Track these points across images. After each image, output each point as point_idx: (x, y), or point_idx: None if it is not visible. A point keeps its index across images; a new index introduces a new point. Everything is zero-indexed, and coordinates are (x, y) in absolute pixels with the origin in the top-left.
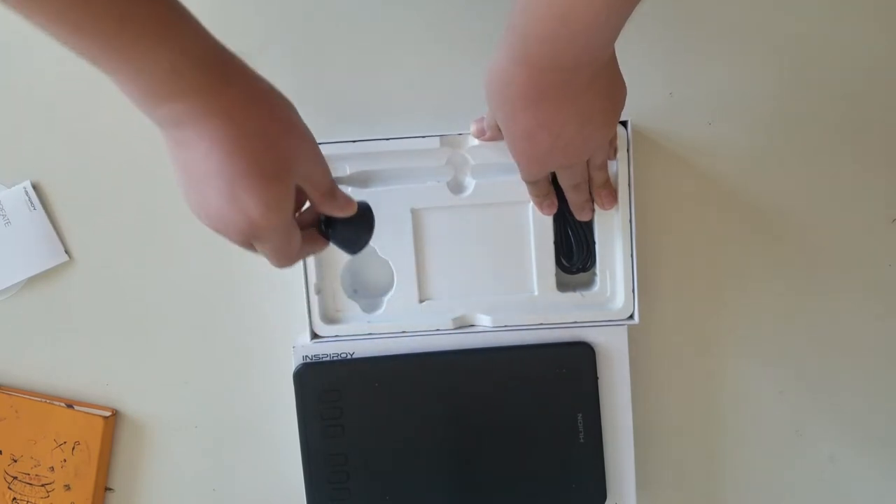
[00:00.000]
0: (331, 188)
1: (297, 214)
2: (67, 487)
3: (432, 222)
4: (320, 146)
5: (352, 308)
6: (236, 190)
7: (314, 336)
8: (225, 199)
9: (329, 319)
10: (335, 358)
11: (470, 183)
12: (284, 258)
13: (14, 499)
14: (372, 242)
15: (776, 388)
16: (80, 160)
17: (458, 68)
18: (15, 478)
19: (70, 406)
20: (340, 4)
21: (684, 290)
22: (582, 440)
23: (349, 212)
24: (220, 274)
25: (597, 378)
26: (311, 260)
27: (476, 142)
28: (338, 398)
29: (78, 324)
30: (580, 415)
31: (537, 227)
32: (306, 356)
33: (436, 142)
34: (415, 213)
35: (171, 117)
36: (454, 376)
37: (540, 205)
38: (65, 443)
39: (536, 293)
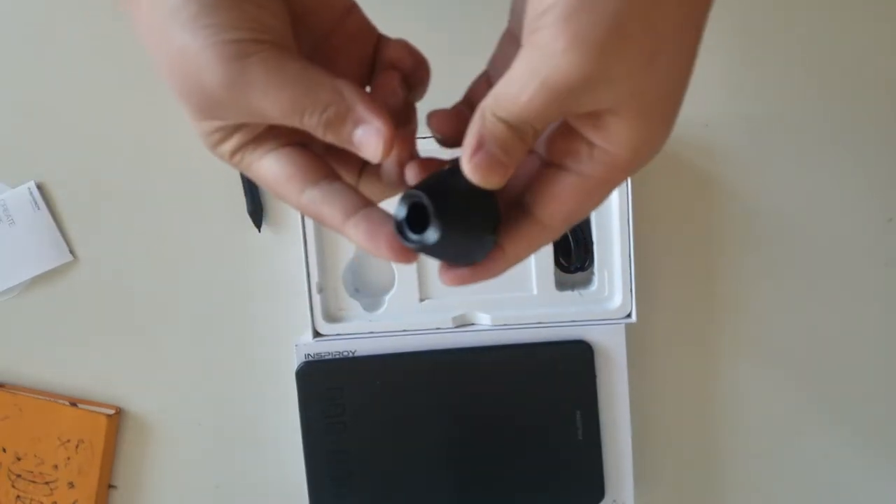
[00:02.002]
0: (305, 113)
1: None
2: (71, 485)
3: None
4: None
5: (353, 307)
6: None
7: (316, 334)
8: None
9: (331, 318)
10: (337, 356)
11: None
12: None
13: (18, 496)
14: None
15: (774, 388)
16: (84, 160)
17: (457, 69)
18: (19, 476)
19: (74, 404)
20: None
21: (682, 289)
22: (580, 437)
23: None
24: (223, 273)
25: (595, 376)
26: (313, 259)
27: None
28: (339, 396)
29: (82, 323)
30: (578, 412)
31: None
32: (308, 354)
33: (435, 142)
34: None
35: None
36: (454, 374)
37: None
38: (68, 441)
39: (535, 292)
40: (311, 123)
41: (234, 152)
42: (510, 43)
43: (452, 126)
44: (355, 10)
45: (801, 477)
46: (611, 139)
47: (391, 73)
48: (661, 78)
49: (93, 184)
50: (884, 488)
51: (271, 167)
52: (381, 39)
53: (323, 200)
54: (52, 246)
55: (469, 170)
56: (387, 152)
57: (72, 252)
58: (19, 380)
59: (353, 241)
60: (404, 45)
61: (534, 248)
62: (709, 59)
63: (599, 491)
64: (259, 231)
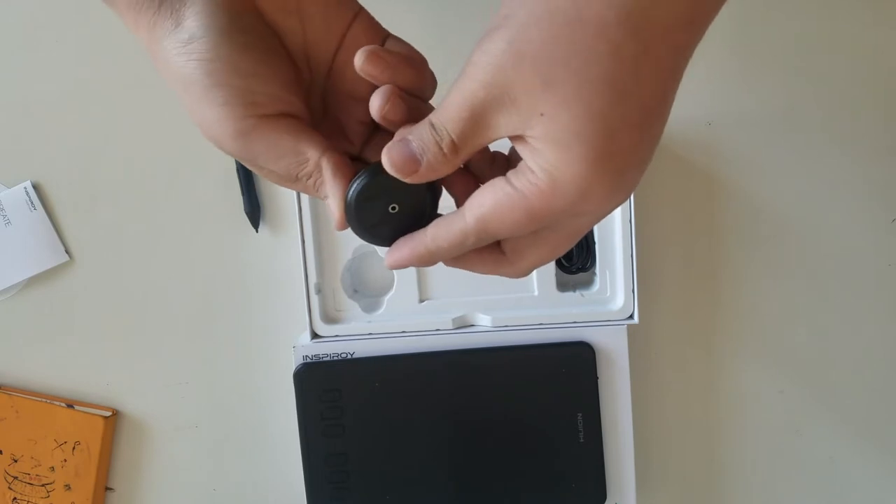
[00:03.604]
0: (295, 178)
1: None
2: (68, 487)
3: None
4: None
5: (352, 308)
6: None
7: (314, 336)
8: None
9: (329, 319)
10: (335, 358)
11: None
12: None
13: (14, 499)
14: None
15: (776, 388)
16: (80, 160)
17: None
18: (15, 478)
19: (70, 406)
20: None
21: (684, 289)
22: (582, 440)
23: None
24: (220, 273)
25: (597, 378)
26: (311, 259)
27: None
28: (338, 398)
29: (78, 324)
30: (580, 414)
31: None
32: (306, 356)
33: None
34: None
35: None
36: (454, 376)
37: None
38: (65, 443)
39: (536, 293)
40: (299, 185)
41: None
42: None
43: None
44: (361, 14)
45: (806, 480)
46: (533, 163)
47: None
48: (558, 103)
49: (89, 184)
50: (887, 491)
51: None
52: (389, 39)
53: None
54: (49, 246)
55: (385, 157)
56: (339, 227)
57: (68, 252)
58: (15, 381)
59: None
60: (403, 51)
61: (450, 235)
62: (712, 58)
63: (601, 494)
64: (256, 231)
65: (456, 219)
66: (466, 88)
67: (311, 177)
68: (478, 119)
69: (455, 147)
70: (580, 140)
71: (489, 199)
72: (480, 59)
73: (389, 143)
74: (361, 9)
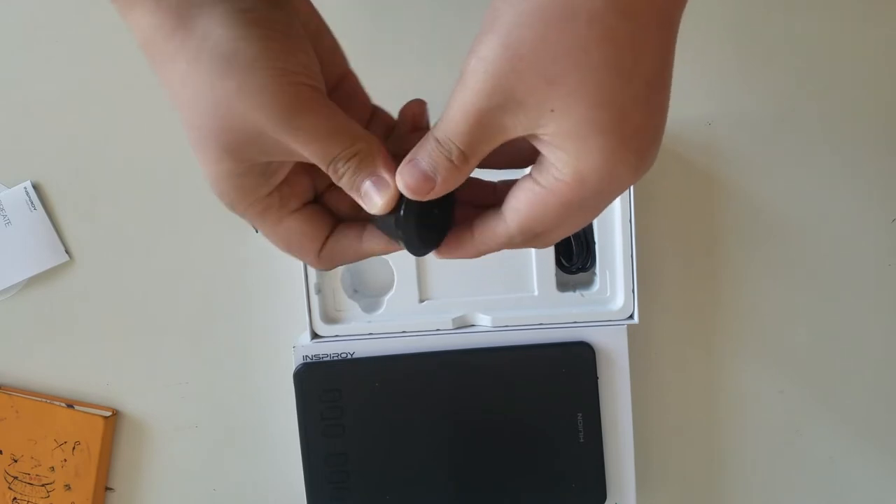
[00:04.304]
0: (335, 159)
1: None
2: (68, 487)
3: None
4: None
5: (352, 308)
6: (197, 155)
7: (314, 336)
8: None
9: (329, 319)
10: (335, 358)
11: None
12: (290, 253)
13: (14, 499)
14: None
15: (776, 388)
16: (80, 160)
17: (455, 69)
18: (15, 478)
19: (70, 406)
20: (332, 7)
21: (684, 289)
22: (582, 440)
23: (379, 202)
24: (221, 273)
25: (597, 378)
26: None
27: None
28: (338, 398)
29: (78, 324)
30: (580, 414)
31: None
32: (306, 356)
33: None
34: None
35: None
36: (454, 376)
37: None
38: (65, 443)
39: (536, 293)
40: (336, 168)
41: (262, 202)
42: None
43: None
44: (350, 77)
45: (806, 480)
46: (555, 159)
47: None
48: (569, 99)
49: (89, 184)
50: (887, 491)
51: (293, 226)
52: (378, 110)
53: (336, 244)
54: (49, 246)
55: (399, 182)
56: (386, 207)
57: (68, 252)
58: (16, 381)
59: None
60: (424, 106)
61: (497, 241)
62: (712, 57)
63: (601, 494)
64: (256, 231)
65: (498, 224)
66: (468, 99)
67: (357, 154)
68: (485, 126)
69: (465, 156)
70: (596, 129)
71: (524, 202)
72: (478, 66)
73: (400, 168)
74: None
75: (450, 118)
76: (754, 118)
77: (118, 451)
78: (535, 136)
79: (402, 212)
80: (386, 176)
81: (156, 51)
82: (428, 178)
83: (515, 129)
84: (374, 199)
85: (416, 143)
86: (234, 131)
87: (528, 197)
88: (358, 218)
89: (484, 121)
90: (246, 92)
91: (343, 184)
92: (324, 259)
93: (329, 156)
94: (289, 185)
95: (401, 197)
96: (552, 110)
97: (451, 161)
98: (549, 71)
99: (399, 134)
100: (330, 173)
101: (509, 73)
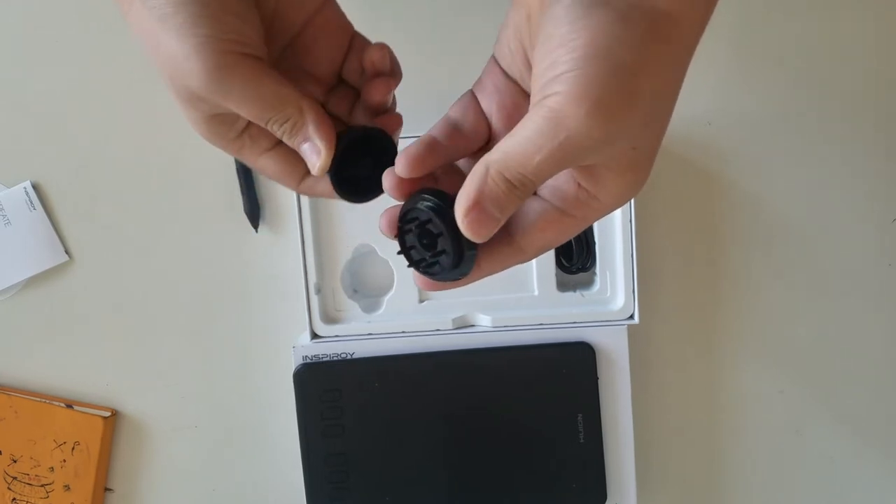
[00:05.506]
0: (269, 121)
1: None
2: (67, 488)
3: None
4: None
5: (352, 308)
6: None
7: (314, 336)
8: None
9: (329, 319)
10: (335, 358)
11: None
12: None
13: (14, 499)
14: (371, 242)
15: (776, 388)
16: (79, 160)
17: (454, 69)
18: (14, 478)
19: (70, 406)
20: None
21: (685, 289)
22: (582, 440)
23: (320, 149)
24: (220, 274)
25: (597, 378)
26: (311, 259)
27: None
28: (338, 398)
29: (78, 324)
30: (580, 415)
31: None
32: (306, 356)
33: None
34: None
35: None
36: (454, 376)
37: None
38: (64, 443)
39: (536, 293)
40: (273, 129)
41: (234, 142)
42: (497, 73)
43: (420, 168)
44: (329, 5)
45: (806, 480)
46: (601, 188)
47: (382, 81)
48: (652, 135)
49: (89, 184)
50: (887, 491)
51: (268, 164)
52: (357, 37)
53: (313, 180)
54: (48, 246)
55: (463, 225)
56: (322, 171)
57: (67, 252)
58: (15, 381)
59: None
60: (385, 50)
61: (506, 266)
62: (712, 58)
63: (601, 494)
64: (256, 231)
65: (512, 252)
66: (563, 132)
67: (289, 120)
68: (571, 162)
69: (532, 188)
70: (633, 164)
71: (550, 231)
72: (549, 115)
73: (465, 211)
74: None
75: (541, 156)
76: (754, 118)
77: (117, 452)
78: (594, 167)
79: (333, 172)
80: (318, 142)
81: (123, 7)
82: (495, 221)
83: (593, 160)
84: (312, 161)
85: (379, 92)
86: (184, 88)
87: (554, 225)
88: None
89: (574, 158)
90: (179, 58)
91: (286, 142)
92: (303, 191)
93: (262, 118)
94: (256, 128)
95: (335, 154)
96: (635, 148)
97: (521, 199)
98: (651, 113)
99: (366, 77)
100: (272, 132)
101: (623, 116)
